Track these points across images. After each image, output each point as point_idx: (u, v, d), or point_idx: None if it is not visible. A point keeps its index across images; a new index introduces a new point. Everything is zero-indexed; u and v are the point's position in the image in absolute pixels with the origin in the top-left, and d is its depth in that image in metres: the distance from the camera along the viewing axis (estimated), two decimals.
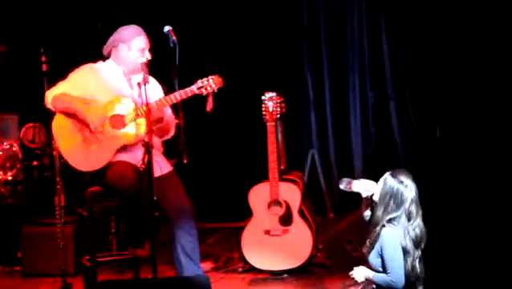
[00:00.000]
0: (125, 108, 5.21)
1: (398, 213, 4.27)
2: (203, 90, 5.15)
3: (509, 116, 6.81)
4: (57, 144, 5.33)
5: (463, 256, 5.49)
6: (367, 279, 4.33)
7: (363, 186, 4.48)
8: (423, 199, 4.38)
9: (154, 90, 5.38)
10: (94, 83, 5.33)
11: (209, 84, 5.15)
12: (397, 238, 4.24)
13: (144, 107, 4.98)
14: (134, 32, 5.36)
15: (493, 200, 6.20)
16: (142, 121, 5.10)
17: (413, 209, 4.29)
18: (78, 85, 5.29)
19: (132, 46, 5.32)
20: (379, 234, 4.29)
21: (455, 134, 7.06)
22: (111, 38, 5.40)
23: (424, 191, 4.37)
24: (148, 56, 5.32)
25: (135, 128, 5.17)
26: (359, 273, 4.36)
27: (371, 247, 4.33)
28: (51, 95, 5.28)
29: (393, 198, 4.29)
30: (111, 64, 5.40)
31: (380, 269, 4.29)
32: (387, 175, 4.35)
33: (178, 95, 5.18)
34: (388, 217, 4.28)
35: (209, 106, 5.23)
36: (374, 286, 4.32)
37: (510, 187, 6.31)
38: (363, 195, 4.47)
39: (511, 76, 6.85)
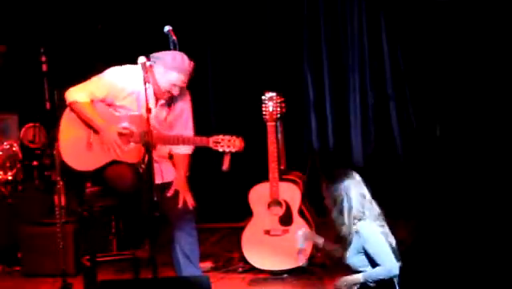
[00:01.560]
0: (136, 126, 5.13)
1: (356, 203, 4.31)
2: (219, 147, 4.98)
3: (509, 116, 6.81)
4: (58, 134, 5.24)
5: (463, 254, 5.48)
6: (355, 284, 4.32)
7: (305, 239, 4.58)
8: (423, 198, 4.39)
9: (183, 105, 5.35)
10: (118, 87, 5.20)
11: (227, 144, 4.97)
12: (375, 228, 4.27)
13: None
14: (178, 66, 5.15)
15: (492, 199, 6.20)
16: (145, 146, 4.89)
17: (363, 190, 4.35)
18: (103, 88, 5.20)
19: (167, 75, 5.16)
20: (352, 233, 4.30)
21: (455, 134, 7.06)
22: (157, 54, 5.18)
23: (424, 190, 4.39)
24: (175, 92, 5.21)
25: (136, 150, 5.09)
26: (346, 283, 4.34)
27: (347, 248, 4.33)
28: (75, 96, 5.18)
29: (343, 196, 4.33)
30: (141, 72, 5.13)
31: (362, 268, 4.28)
32: (325, 186, 4.41)
33: (190, 141, 5.11)
34: (352, 214, 4.31)
35: (225, 165, 5.04)
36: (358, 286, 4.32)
37: (510, 186, 6.31)
38: (319, 241, 4.55)
39: (511, 76, 6.85)
